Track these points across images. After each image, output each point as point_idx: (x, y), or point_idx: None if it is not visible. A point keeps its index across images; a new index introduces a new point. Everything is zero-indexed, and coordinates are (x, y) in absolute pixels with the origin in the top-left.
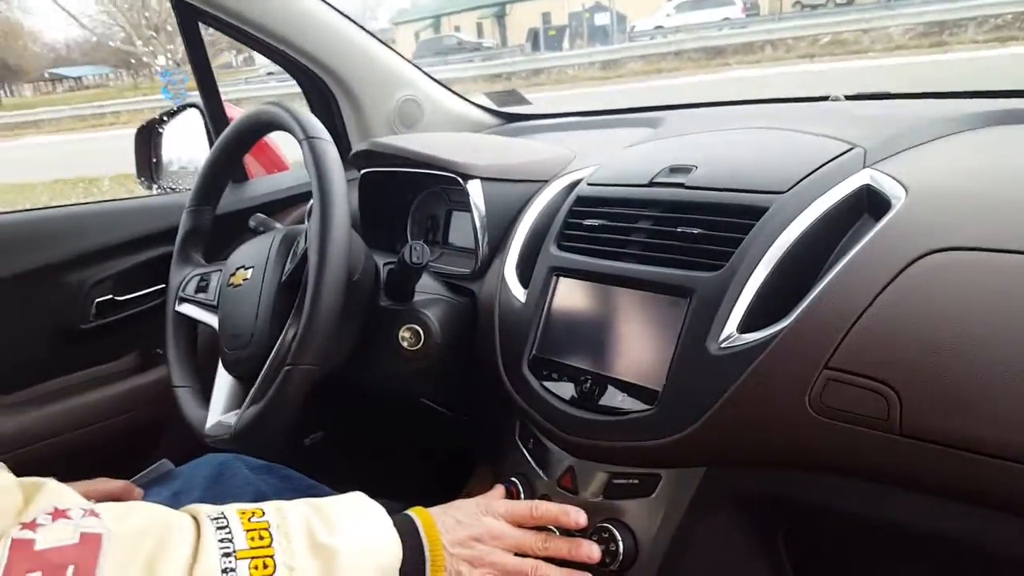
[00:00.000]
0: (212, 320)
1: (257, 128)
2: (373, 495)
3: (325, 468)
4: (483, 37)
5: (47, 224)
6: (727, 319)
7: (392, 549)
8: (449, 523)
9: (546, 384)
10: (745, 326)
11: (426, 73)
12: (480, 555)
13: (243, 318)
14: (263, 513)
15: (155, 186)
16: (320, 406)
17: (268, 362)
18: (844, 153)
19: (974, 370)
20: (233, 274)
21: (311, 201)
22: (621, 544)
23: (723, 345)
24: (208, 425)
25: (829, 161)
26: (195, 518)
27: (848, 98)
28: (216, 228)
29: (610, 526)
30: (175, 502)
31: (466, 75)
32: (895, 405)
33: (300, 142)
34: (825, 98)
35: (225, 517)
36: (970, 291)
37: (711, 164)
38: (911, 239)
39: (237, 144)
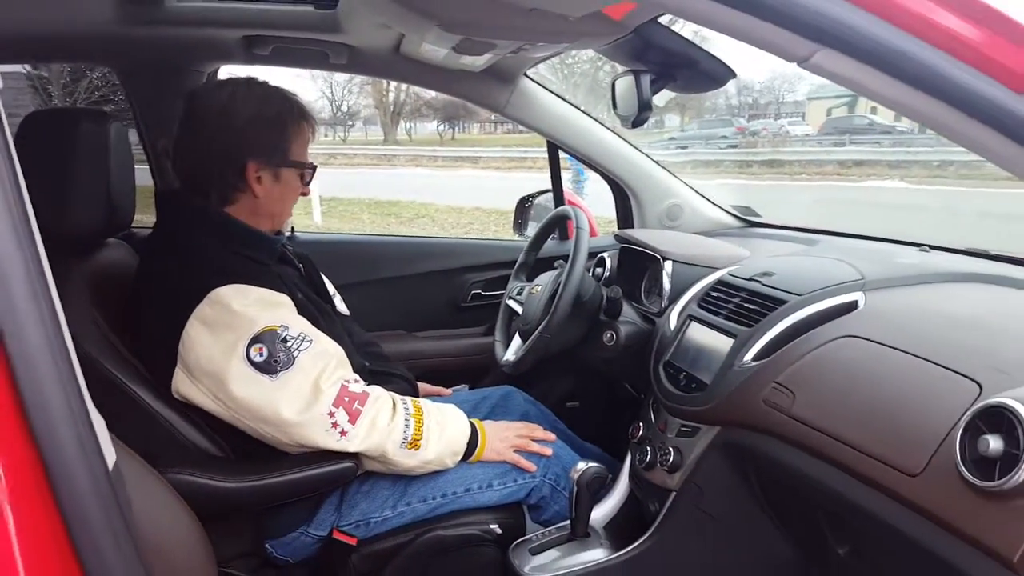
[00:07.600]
0: (519, 309)
1: (560, 218)
2: (588, 439)
3: (571, 419)
4: (899, 122)
5: (456, 248)
6: (747, 353)
7: (467, 432)
8: (491, 427)
9: (666, 376)
10: (752, 358)
11: (689, 185)
12: (504, 436)
13: (532, 311)
14: (421, 407)
15: (518, 235)
16: (576, 387)
17: (535, 332)
18: (852, 281)
19: (832, 392)
20: (533, 288)
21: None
22: (673, 457)
23: (740, 365)
24: (503, 359)
25: (839, 284)
26: (395, 403)
27: (932, 248)
28: (538, 263)
29: (671, 448)
30: (478, 403)
31: (865, 158)
32: (792, 400)
33: (575, 229)
34: (920, 245)
35: (407, 404)
36: (851, 355)
37: (781, 273)
38: (842, 327)
39: (549, 224)
